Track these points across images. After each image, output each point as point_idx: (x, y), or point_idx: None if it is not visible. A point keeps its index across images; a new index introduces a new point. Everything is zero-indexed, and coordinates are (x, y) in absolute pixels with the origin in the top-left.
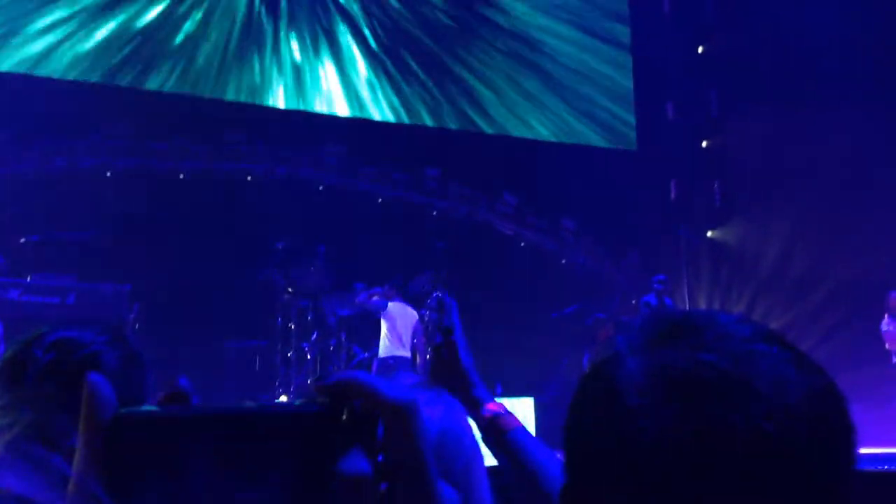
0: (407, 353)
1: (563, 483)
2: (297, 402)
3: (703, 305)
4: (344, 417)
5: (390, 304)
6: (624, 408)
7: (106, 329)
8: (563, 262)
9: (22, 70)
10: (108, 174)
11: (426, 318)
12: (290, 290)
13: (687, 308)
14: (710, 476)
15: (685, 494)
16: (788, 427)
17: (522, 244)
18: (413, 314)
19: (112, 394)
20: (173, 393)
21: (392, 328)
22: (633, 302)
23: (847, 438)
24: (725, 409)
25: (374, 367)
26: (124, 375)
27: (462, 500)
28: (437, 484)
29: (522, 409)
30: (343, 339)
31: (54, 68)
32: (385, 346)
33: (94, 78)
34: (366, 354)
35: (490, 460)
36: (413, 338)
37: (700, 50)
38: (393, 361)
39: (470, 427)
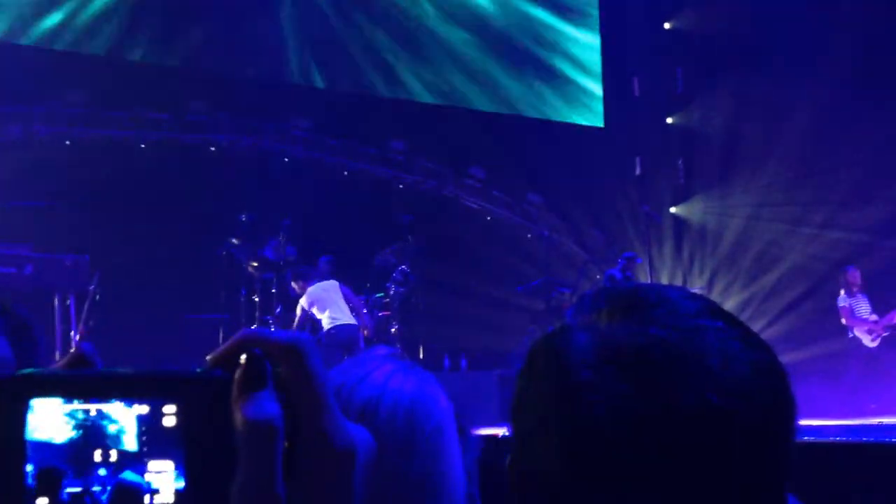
0: (350, 320)
1: (509, 456)
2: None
3: (664, 281)
4: (239, 371)
5: (308, 291)
6: (573, 383)
7: None
8: (529, 236)
9: None
10: (67, 142)
11: (391, 292)
12: (253, 263)
13: (647, 283)
14: (659, 449)
15: (634, 469)
16: (735, 401)
17: (488, 218)
18: (332, 282)
19: (9, 354)
20: (75, 357)
21: (322, 307)
22: (598, 277)
23: (789, 411)
24: (675, 385)
25: (323, 342)
26: (12, 346)
27: (374, 440)
28: (340, 420)
29: (487, 384)
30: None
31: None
32: (328, 321)
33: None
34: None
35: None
36: (349, 303)
37: (667, 26)
38: (336, 330)
39: (443, 398)
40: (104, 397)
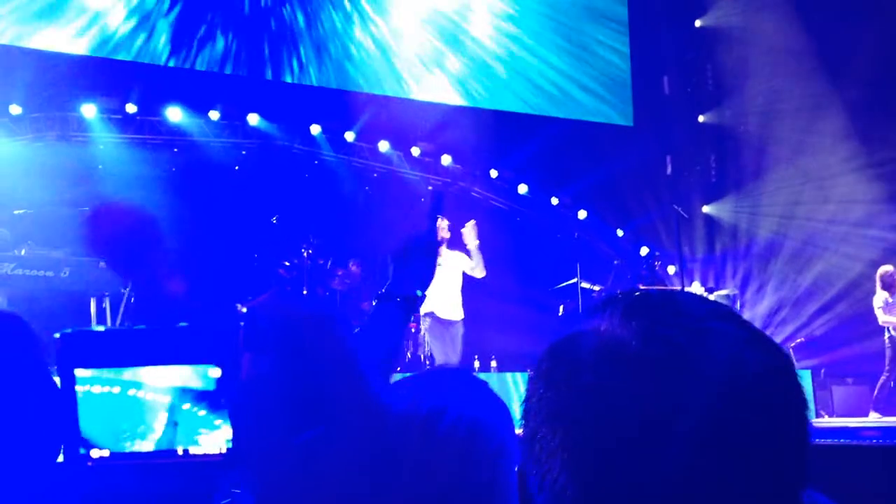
0: None
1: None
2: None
3: (696, 281)
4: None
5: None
6: (576, 386)
7: None
8: (559, 236)
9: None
10: (101, 146)
11: (420, 294)
12: (286, 263)
13: (678, 285)
14: (663, 452)
15: (637, 471)
16: (740, 405)
17: (518, 218)
18: None
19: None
20: None
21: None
22: (628, 276)
23: (798, 415)
24: (678, 387)
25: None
26: None
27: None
28: (374, 385)
29: (517, 385)
30: None
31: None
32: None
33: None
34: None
35: None
36: None
37: (697, 24)
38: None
39: (507, 417)
40: (146, 361)
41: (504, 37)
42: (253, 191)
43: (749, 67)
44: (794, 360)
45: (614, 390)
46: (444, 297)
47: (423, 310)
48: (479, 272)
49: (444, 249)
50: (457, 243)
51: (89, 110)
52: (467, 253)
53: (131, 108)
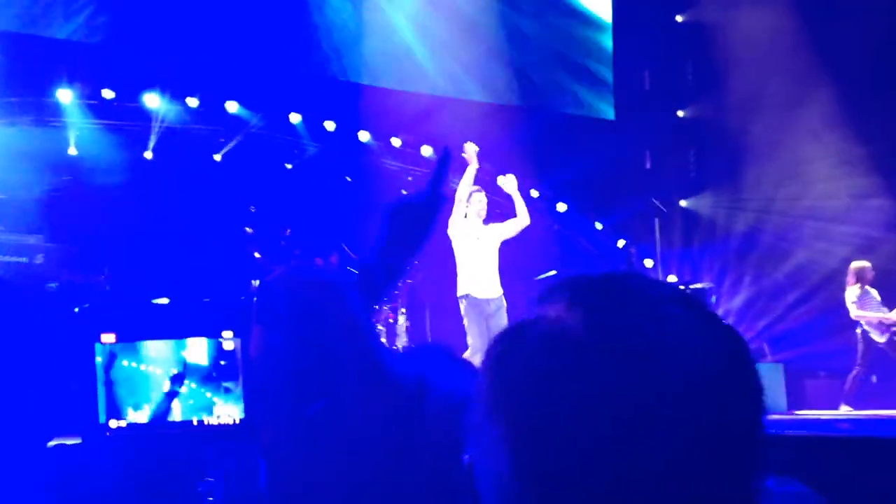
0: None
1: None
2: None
3: (673, 274)
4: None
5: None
6: (520, 374)
7: None
8: (540, 229)
9: None
10: (77, 132)
11: (400, 284)
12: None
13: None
14: (611, 442)
15: (581, 462)
16: (692, 393)
17: (497, 211)
18: None
19: None
20: None
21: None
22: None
23: (753, 401)
24: (623, 377)
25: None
26: None
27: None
28: (381, 352)
29: None
30: None
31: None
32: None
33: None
34: None
35: None
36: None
37: (679, 19)
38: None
39: None
40: (163, 335)
41: (485, 29)
42: (231, 179)
43: (729, 63)
44: (767, 351)
45: (557, 378)
46: (480, 276)
47: (459, 292)
48: (524, 219)
49: (478, 225)
50: (491, 216)
51: (65, 95)
52: (501, 219)
53: (108, 94)
